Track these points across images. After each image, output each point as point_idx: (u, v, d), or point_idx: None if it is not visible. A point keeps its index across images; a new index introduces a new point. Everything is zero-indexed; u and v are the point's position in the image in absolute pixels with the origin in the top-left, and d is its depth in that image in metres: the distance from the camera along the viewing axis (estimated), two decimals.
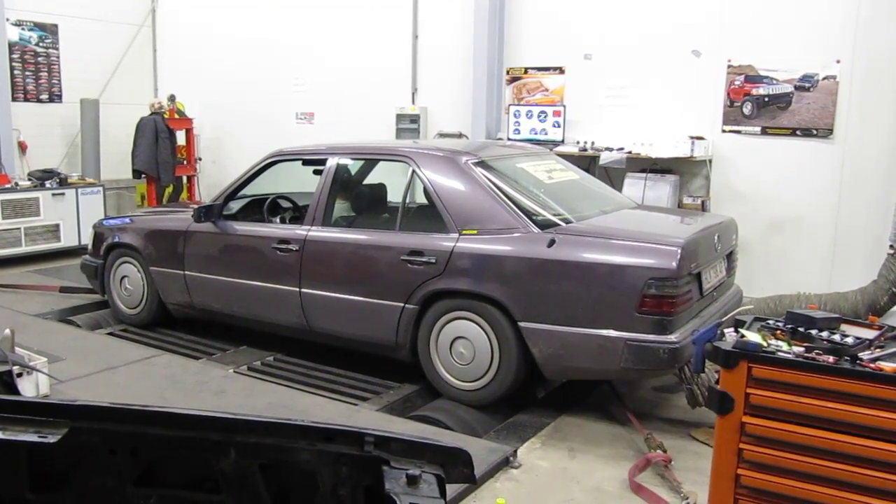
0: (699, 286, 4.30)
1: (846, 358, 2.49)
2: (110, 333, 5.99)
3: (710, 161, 6.96)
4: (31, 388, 4.06)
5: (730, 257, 4.94)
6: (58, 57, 10.03)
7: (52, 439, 1.43)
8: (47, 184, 8.56)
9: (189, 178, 10.67)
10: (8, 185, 8.29)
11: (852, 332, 2.68)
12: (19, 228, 8.20)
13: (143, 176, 9.84)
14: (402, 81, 8.87)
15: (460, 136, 8.36)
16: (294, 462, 1.49)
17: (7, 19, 9.35)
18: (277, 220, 5.55)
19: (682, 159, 6.85)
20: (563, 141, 7.61)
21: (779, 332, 2.73)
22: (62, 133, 10.19)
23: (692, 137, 6.81)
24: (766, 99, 6.67)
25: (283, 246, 5.04)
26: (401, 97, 8.86)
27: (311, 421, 1.50)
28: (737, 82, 6.79)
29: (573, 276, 4.08)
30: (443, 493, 1.43)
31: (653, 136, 7.01)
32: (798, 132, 6.57)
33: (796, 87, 6.52)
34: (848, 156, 6.36)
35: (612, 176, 7.17)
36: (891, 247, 5.76)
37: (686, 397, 4.29)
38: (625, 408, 4.40)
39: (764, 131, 6.73)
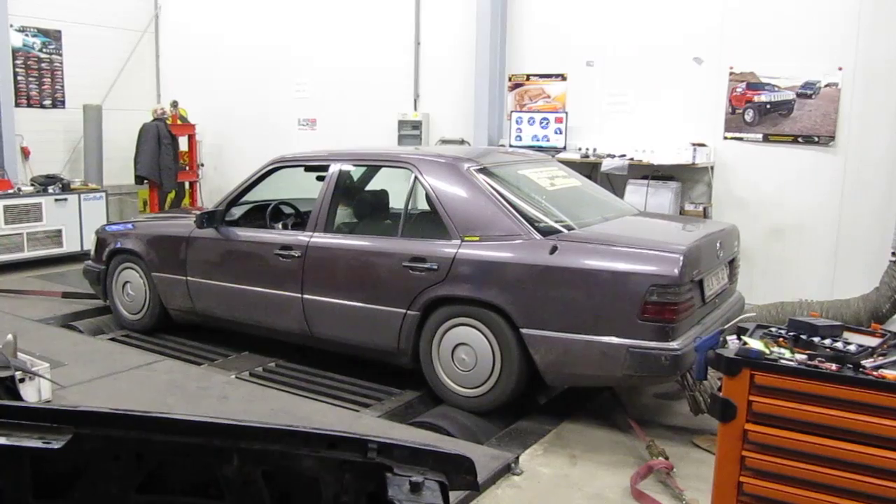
0: (701, 293, 4.29)
1: (849, 366, 2.48)
2: (112, 339, 5.98)
3: (712, 168, 6.97)
4: (33, 393, 4.07)
5: (732, 264, 4.93)
6: (61, 63, 10.08)
7: (56, 445, 1.43)
8: (50, 189, 8.57)
9: (191, 184, 10.70)
10: (11, 191, 8.30)
11: (855, 340, 2.68)
12: (22, 234, 8.20)
13: (145, 182, 9.85)
14: (404, 88, 8.89)
15: (462, 142, 8.37)
16: (297, 469, 1.49)
17: (11, 25, 9.39)
18: (279, 226, 5.55)
19: (683, 166, 6.86)
20: (565, 147, 7.62)
21: (781, 339, 2.72)
22: (65, 139, 10.22)
23: (694, 144, 6.82)
24: (768, 106, 6.68)
25: (286, 252, 5.05)
26: (403, 103, 8.88)
27: (315, 428, 1.50)
28: (738, 89, 6.81)
29: (575, 283, 4.08)
30: (446, 500, 1.43)
31: (655, 142, 7.02)
32: (800, 139, 6.57)
33: (798, 95, 6.53)
34: (850, 163, 6.37)
35: (614, 183, 7.18)
36: (893, 254, 5.74)
37: (688, 404, 4.28)
38: (626, 415, 4.39)
39: (766, 138, 6.73)
